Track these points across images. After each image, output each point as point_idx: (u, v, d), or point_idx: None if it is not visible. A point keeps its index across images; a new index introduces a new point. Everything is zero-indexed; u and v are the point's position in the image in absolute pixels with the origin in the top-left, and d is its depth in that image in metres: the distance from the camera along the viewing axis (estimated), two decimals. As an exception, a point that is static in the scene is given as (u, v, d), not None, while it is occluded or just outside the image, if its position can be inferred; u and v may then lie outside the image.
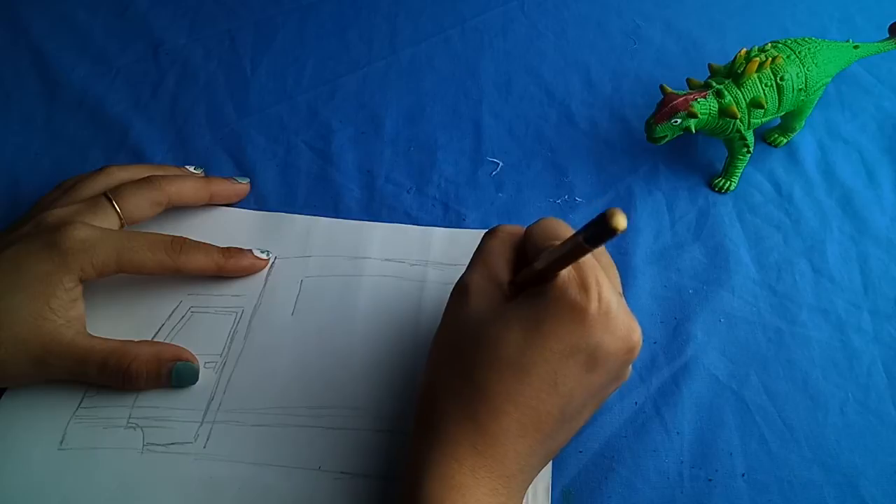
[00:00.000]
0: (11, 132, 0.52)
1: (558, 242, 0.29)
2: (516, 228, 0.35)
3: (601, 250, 0.34)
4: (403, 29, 0.60)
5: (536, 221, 0.33)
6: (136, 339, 0.38)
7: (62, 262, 0.35)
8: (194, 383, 0.38)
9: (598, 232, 0.24)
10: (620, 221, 0.23)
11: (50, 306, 0.35)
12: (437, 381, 0.31)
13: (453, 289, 0.33)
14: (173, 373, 0.38)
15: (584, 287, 0.29)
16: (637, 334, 0.31)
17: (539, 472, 0.33)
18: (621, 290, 0.34)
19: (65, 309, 0.36)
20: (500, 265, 0.33)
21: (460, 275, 0.32)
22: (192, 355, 0.39)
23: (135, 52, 0.58)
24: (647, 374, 0.39)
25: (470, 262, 0.34)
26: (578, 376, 0.30)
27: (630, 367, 0.33)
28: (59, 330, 0.35)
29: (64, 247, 0.36)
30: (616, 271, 0.34)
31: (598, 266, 0.30)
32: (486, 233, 0.35)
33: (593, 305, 0.29)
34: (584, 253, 0.27)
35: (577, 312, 0.29)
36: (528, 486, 0.32)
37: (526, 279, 0.31)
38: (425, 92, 0.55)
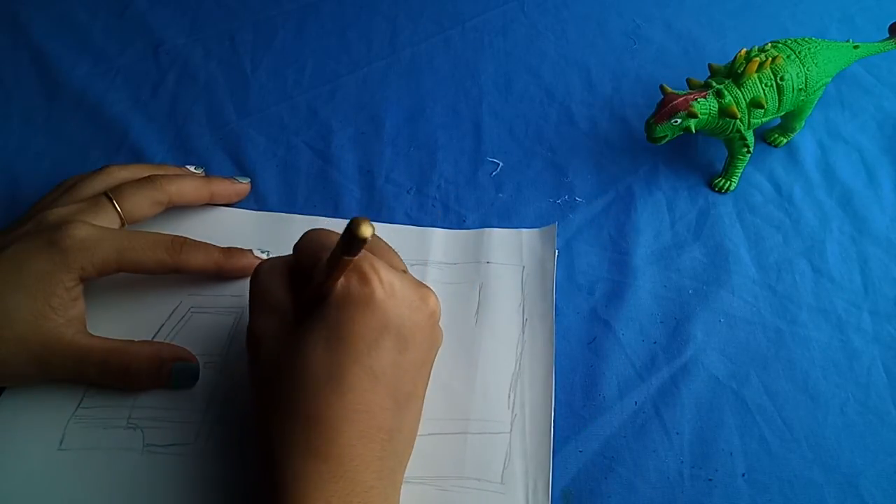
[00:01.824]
0: (11, 132, 0.52)
1: (326, 252, 0.30)
2: (277, 259, 0.35)
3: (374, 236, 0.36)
4: (403, 29, 0.60)
5: (301, 237, 0.34)
6: (136, 339, 0.38)
7: (62, 260, 0.35)
8: (194, 383, 0.38)
9: (350, 242, 0.26)
10: (366, 230, 0.25)
11: (50, 305, 0.35)
12: (270, 433, 0.30)
13: (246, 341, 0.33)
14: (173, 373, 0.38)
15: (362, 279, 0.30)
16: (431, 298, 0.32)
17: (403, 470, 0.33)
18: (404, 267, 0.35)
19: (65, 308, 0.36)
20: (278, 297, 0.33)
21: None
22: (192, 355, 0.39)
23: (135, 51, 0.58)
24: (647, 374, 0.39)
25: (249, 309, 0.34)
26: (395, 360, 0.30)
27: (440, 327, 0.34)
28: (59, 329, 0.35)
29: (64, 245, 0.36)
30: (393, 251, 0.35)
31: (370, 255, 0.31)
32: (251, 277, 0.34)
33: (378, 291, 0.30)
34: (347, 263, 0.28)
35: (365, 304, 0.30)
36: (396, 490, 0.32)
37: (311, 296, 0.31)
38: (425, 92, 0.55)
